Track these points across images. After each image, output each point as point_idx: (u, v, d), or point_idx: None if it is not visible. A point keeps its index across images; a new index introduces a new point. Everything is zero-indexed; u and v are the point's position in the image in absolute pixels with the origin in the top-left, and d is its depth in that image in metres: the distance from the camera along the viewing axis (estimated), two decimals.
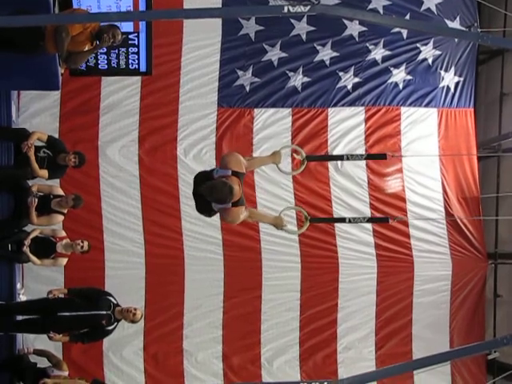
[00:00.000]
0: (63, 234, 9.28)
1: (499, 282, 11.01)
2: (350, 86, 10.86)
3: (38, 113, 10.34)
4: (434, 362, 5.75)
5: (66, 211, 9.10)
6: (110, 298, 8.69)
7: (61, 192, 9.16)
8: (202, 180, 6.89)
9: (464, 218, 10.85)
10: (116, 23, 7.84)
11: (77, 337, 8.71)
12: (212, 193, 6.57)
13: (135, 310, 8.58)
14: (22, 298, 9.70)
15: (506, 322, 10.69)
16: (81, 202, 9.03)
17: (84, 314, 8.51)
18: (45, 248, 9.11)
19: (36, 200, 8.85)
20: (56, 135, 9.84)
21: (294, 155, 7.58)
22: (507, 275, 10.93)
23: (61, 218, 9.13)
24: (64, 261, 9.22)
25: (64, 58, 7.87)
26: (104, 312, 8.53)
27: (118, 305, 8.70)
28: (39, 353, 9.18)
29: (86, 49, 7.83)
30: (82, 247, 9.07)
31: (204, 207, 6.97)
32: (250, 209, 7.10)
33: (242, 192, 6.73)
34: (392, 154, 8.26)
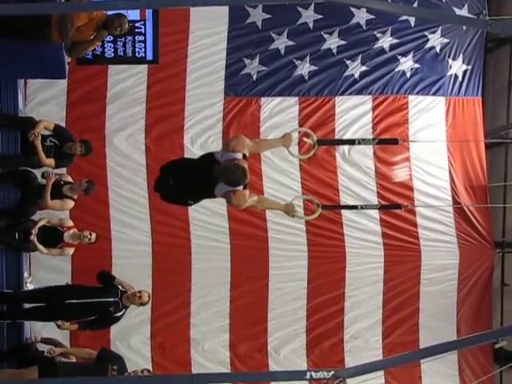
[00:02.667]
0: (71, 223, 9.28)
1: (506, 271, 10.99)
2: (357, 75, 10.81)
3: (45, 101, 10.35)
4: (440, 351, 5.73)
5: (76, 197, 9.10)
6: (118, 286, 8.73)
7: (70, 179, 9.16)
8: (202, 164, 6.86)
9: (471, 205, 10.81)
10: (122, 11, 7.82)
11: (85, 325, 8.76)
12: (226, 175, 6.53)
13: (139, 292, 8.59)
14: (30, 286, 9.74)
15: None
16: (93, 186, 9.02)
17: (92, 301, 8.54)
18: (52, 237, 9.12)
19: (53, 175, 8.81)
20: (63, 124, 9.83)
21: (305, 139, 7.51)
22: None
23: (72, 203, 9.11)
24: (71, 250, 9.23)
25: (68, 48, 7.85)
26: (112, 299, 8.57)
27: (125, 292, 8.73)
28: (47, 341, 9.21)
29: (92, 37, 7.79)
30: (90, 239, 9.08)
31: (186, 193, 6.92)
32: (259, 196, 7.06)
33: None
34: (403, 139, 8.22)
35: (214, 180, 6.72)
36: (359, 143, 8.32)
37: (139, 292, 8.60)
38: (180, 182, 6.92)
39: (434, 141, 10.51)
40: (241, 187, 6.65)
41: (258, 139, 7.78)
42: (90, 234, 9.08)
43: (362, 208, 8.24)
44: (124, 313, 8.77)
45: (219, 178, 6.60)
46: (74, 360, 8.62)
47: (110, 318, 8.72)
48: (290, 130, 7.53)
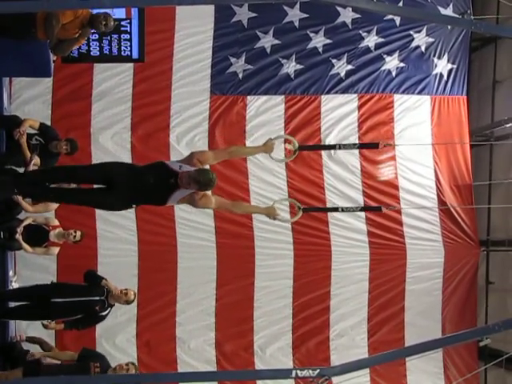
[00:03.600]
0: (56, 222, 9.25)
1: (491, 269, 11.05)
2: (342, 74, 10.84)
3: (30, 100, 10.30)
4: (426, 349, 5.77)
5: None
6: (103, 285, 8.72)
7: None
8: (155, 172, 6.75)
9: (457, 206, 10.87)
10: (108, 10, 7.80)
11: (71, 324, 8.73)
12: (202, 177, 6.50)
13: (125, 290, 8.59)
14: (15, 285, 9.69)
15: (498, 308, 10.75)
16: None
17: (77, 300, 8.52)
18: (37, 236, 9.09)
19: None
20: (48, 122, 9.80)
21: (287, 145, 7.55)
22: (499, 262, 10.98)
23: (56, 205, 9.09)
24: (56, 250, 9.20)
25: (53, 46, 7.82)
26: (97, 298, 8.55)
27: (110, 290, 8.72)
28: (32, 340, 9.18)
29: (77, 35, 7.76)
30: (75, 237, 9.05)
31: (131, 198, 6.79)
32: (236, 201, 7.05)
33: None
34: (384, 142, 8.26)
35: (171, 187, 6.61)
36: (340, 148, 8.32)
37: (125, 290, 8.60)
38: (127, 187, 6.67)
39: (418, 144, 10.55)
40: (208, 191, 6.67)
41: (234, 147, 7.80)
42: (75, 232, 9.06)
43: (343, 210, 8.25)
44: (109, 311, 8.75)
45: (189, 182, 6.53)
46: (57, 362, 8.60)
47: (96, 317, 8.71)
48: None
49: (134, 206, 7.05)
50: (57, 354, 8.72)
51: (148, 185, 6.59)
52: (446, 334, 10.69)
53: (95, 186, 7.05)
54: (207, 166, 6.91)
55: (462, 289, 11.04)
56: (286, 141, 7.74)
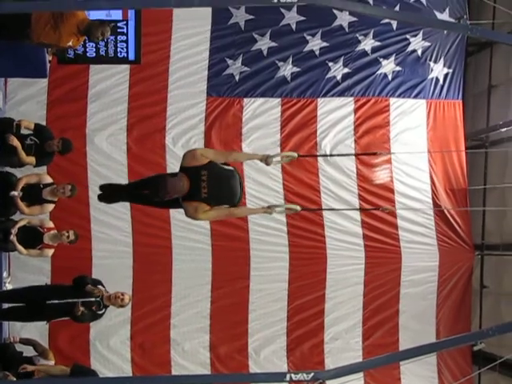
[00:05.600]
0: (51, 224, 9.20)
1: (485, 273, 11.07)
2: (339, 77, 10.84)
3: (25, 100, 10.28)
4: (420, 353, 5.78)
5: (56, 199, 9.05)
6: (99, 286, 8.70)
7: (49, 180, 9.10)
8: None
9: (451, 208, 10.88)
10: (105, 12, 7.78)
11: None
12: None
13: (122, 294, 8.61)
14: (9, 286, 9.67)
15: (492, 312, 10.75)
16: (76, 191, 9.01)
17: (73, 301, 8.50)
18: (32, 238, 9.05)
19: (20, 193, 8.78)
20: (43, 123, 9.78)
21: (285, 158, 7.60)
22: (493, 266, 10.99)
23: (51, 206, 9.09)
24: (50, 252, 9.16)
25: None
26: (93, 299, 8.53)
27: (106, 292, 8.71)
28: (25, 342, 9.16)
29: (70, 43, 7.70)
30: (68, 237, 9.02)
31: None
32: (232, 209, 7.08)
33: (196, 188, 6.81)
34: (380, 152, 8.29)
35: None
36: (337, 156, 8.37)
37: (122, 294, 8.59)
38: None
39: (414, 152, 10.55)
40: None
41: (235, 154, 7.94)
42: (68, 232, 9.03)
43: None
44: (104, 312, 8.74)
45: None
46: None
47: (94, 315, 8.69)
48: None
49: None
50: (48, 369, 8.60)
51: None
52: (440, 337, 10.71)
53: None
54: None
55: (456, 292, 11.06)
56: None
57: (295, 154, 7.43)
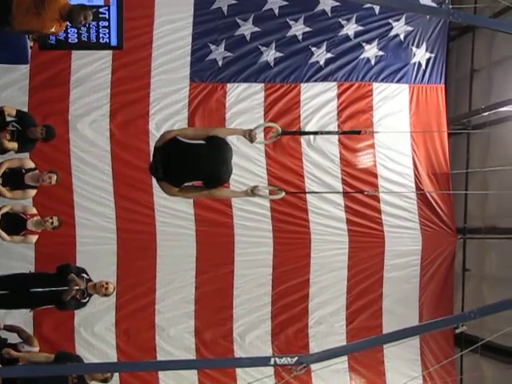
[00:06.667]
0: (34, 210, 9.19)
1: (468, 257, 11.16)
2: (322, 62, 10.84)
3: (7, 86, 10.18)
4: (403, 336, 5.83)
5: (39, 185, 9.02)
6: (83, 274, 8.70)
7: (32, 165, 9.07)
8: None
9: (434, 191, 10.95)
10: None
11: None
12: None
13: (107, 283, 8.61)
14: None
15: (474, 295, 10.86)
16: (59, 178, 8.98)
17: (57, 289, 8.49)
18: (15, 224, 9.03)
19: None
20: (25, 109, 9.72)
21: (271, 133, 7.51)
22: (476, 250, 11.09)
23: (34, 192, 9.06)
24: (34, 238, 9.15)
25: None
26: (77, 287, 8.52)
27: (90, 280, 8.71)
28: (9, 328, 9.13)
29: (53, 29, 7.64)
30: (52, 223, 9.01)
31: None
32: (213, 190, 6.96)
33: (155, 168, 6.74)
34: (366, 130, 8.27)
35: None
36: (322, 134, 8.35)
37: (106, 283, 8.60)
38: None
39: (397, 131, 10.61)
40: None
41: (215, 128, 7.79)
42: (52, 218, 9.02)
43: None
44: (88, 300, 8.75)
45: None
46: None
47: (78, 303, 8.69)
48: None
49: None
50: (32, 357, 8.60)
51: None
52: (424, 320, 10.80)
53: None
54: None
55: (439, 276, 11.15)
56: (268, 129, 7.70)
57: (278, 126, 7.16)
